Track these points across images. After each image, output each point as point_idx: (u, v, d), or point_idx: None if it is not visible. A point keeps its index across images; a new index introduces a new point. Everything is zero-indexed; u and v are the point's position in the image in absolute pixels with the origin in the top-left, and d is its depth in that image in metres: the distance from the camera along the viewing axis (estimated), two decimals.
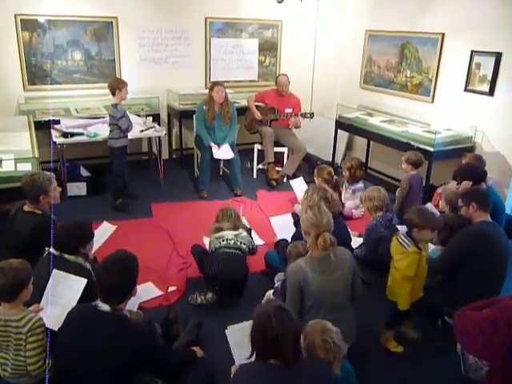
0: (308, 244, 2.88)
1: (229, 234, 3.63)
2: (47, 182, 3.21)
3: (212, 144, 5.48)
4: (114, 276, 2.23)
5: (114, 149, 4.89)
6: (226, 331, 3.15)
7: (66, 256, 2.78)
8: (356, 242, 4.10)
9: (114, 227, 4.49)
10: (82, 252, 2.87)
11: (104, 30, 5.99)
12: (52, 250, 2.79)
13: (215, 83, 5.50)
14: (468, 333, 1.85)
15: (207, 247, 3.80)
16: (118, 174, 4.98)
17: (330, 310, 2.71)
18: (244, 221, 4.85)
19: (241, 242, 3.64)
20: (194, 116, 5.76)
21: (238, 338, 3.04)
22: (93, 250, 3.19)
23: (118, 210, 5.00)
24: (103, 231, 4.37)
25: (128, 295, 2.32)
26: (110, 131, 4.87)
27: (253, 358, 2.03)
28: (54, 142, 5.01)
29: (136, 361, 2.22)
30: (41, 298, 2.60)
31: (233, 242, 3.61)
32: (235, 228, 3.69)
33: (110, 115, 4.82)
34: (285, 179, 5.97)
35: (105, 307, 2.22)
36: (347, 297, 2.83)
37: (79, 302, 2.40)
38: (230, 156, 5.54)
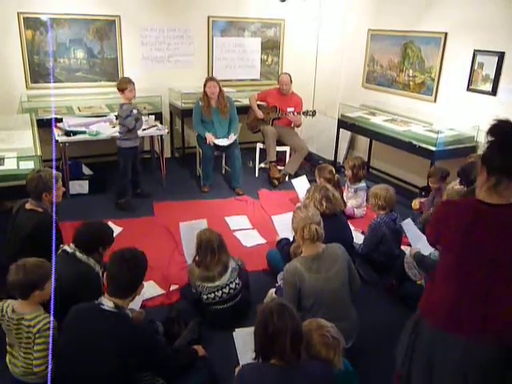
0: (297, 243, 2.91)
1: (221, 283, 3.16)
2: (52, 180, 3.22)
3: (207, 134, 5.54)
4: (125, 266, 2.27)
5: (121, 148, 4.91)
6: (234, 334, 3.13)
7: (78, 255, 2.78)
8: (359, 239, 4.11)
9: (120, 229, 4.48)
10: (99, 253, 2.88)
11: (107, 29, 5.99)
12: (66, 247, 2.82)
13: (208, 79, 5.62)
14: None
15: None
16: (122, 173, 4.98)
17: (331, 309, 2.73)
18: (245, 220, 4.88)
19: (235, 288, 3.23)
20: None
21: (246, 341, 3.00)
22: None
23: (120, 208, 5.02)
24: None
25: (135, 289, 2.34)
26: (119, 132, 4.90)
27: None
28: (57, 141, 5.02)
29: (137, 361, 2.23)
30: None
31: (227, 292, 3.19)
32: (224, 267, 3.19)
33: (118, 115, 4.88)
34: (287, 178, 5.97)
35: (109, 304, 2.23)
36: (346, 293, 2.86)
37: (83, 301, 2.40)
38: (228, 142, 5.61)
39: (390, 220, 3.87)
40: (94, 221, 3.10)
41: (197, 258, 3.22)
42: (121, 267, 2.28)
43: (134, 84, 4.81)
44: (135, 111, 4.85)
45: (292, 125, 6.23)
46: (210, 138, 5.51)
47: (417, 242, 3.63)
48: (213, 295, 3.16)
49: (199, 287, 3.17)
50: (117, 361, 2.16)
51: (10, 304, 2.45)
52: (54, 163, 4.64)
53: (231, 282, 3.21)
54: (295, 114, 6.05)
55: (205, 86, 5.54)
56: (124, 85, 4.75)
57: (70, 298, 2.46)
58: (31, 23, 5.59)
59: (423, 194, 5.21)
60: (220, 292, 3.16)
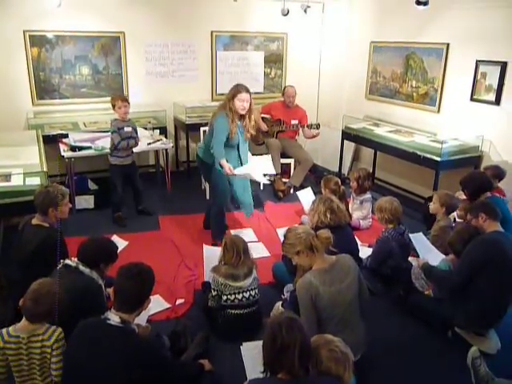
0: (304, 262, 2.88)
1: (244, 285, 3.18)
2: (59, 196, 3.23)
3: (222, 161, 4.10)
4: (132, 281, 2.29)
5: (110, 164, 4.95)
6: (242, 348, 3.11)
7: (81, 268, 2.79)
8: (365, 252, 4.08)
9: (126, 243, 4.49)
10: (100, 269, 2.89)
11: (111, 45, 6.06)
12: (68, 261, 2.82)
13: (240, 88, 4.33)
14: None
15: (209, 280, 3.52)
16: (112, 188, 4.98)
17: (342, 321, 2.71)
18: (251, 233, 4.87)
19: (254, 296, 3.25)
20: (214, 128, 4.25)
21: (253, 355, 2.98)
22: None
23: (114, 222, 5.02)
24: None
25: (142, 304, 2.34)
26: (109, 147, 4.93)
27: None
28: (62, 156, 5.06)
29: (143, 375, 2.21)
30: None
31: (247, 296, 3.20)
32: (249, 271, 3.24)
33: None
34: (292, 190, 5.97)
35: (115, 319, 2.23)
36: (357, 306, 2.83)
37: (88, 316, 2.39)
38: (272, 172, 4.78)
39: (398, 234, 3.80)
40: (101, 237, 3.13)
41: (222, 261, 3.24)
42: (127, 282, 2.29)
43: (124, 101, 4.75)
44: (128, 129, 4.80)
45: (296, 136, 6.25)
46: (226, 168, 4.09)
47: (425, 253, 3.61)
48: (233, 297, 3.16)
49: (221, 286, 3.14)
50: (123, 375, 2.14)
51: (10, 328, 2.35)
52: (68, 179, 4.66)
53: (252, 289, 3.23)
54: (299, 126, 6.08)
55: (234, 96, 4.28)
56: (113, 101, 4.79)
57: (74, 310, 2.45)
58: (37, 41, 5.66)
59: (429, 204, 5.18)
60: (241, 295, 3.17)
